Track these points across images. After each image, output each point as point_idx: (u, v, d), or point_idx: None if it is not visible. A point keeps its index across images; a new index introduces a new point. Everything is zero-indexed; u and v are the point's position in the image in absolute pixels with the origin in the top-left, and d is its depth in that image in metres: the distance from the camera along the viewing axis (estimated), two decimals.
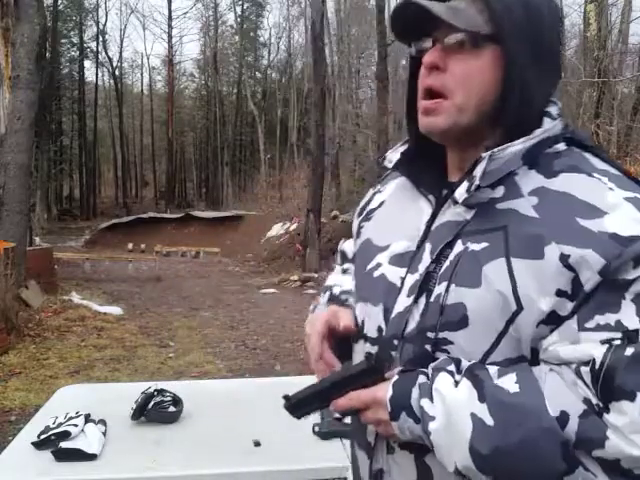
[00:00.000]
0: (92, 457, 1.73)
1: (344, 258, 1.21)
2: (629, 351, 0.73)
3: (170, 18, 37.21)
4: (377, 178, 1.14)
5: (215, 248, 17.29)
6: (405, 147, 0.98)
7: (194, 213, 23.33)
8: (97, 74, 38.84)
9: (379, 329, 0.92)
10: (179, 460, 1.75)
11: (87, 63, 39.02)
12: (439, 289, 0.84)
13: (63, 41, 35.87)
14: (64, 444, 1.75)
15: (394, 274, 0.92)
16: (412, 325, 0.87)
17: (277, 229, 17.77)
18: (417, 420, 0.81)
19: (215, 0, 38.28)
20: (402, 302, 0.89)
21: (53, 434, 1.79)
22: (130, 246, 19.18)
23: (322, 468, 1.70)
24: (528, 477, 0.77)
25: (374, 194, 1.08)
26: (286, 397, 0.96)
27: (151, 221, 22.65)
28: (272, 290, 10.76)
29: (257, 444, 1.82)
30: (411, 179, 0.96)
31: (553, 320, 0.77)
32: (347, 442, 1.70)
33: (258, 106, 34.96)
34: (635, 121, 11.71)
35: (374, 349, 0.92)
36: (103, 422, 1.91)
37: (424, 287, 0.87)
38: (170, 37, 37.15)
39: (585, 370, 0.75)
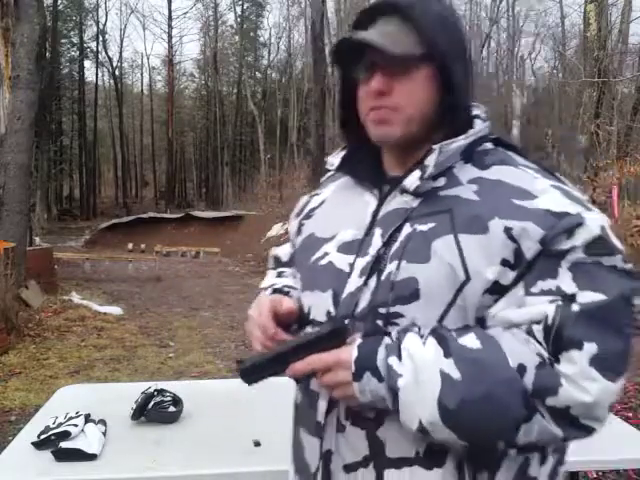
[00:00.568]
0: (92, 457, 1.72)
1: (278, 262, 1.27)
2: (575, 307, 0.82)
3: (170, 18, 37.24)
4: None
5: (215, 248, 17.29)
6: (344, 152, 1.08)
7: (194, 213, 23.32)
8: (97, 74, 38.91)
9: (327, 313, 0.97)
10: (179, 460, 1.75)
11: (87, 63, 39.10)
12: (390, 267, 0.91)
13: (63, 41, 35.87)
14: (64, 444, 1.75)
15: (342, 261, 0.98)
16: (363, 304, 0.92)
17: (277, 229, 17.76)
18: (381, 379, 0.85)
19: (215, 0, 38.32)
20: (353, 283, 0.94)
21: (53, 434, 1.79)
22: (130, 246, 19.17)
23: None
24: (489, 427, 0.83)
25: (312, 196, 1.17)
26: (240, 361, 0.96)
27: (151, 221, 22.65)
28: None
29: (257, 444, 1.82)
30: (354, 177, 1.06)
31: (496, 289, 0.86)
32: None
33: (258, 106, 34.96)
34: (635, 121, 11.71)
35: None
36: (103, 422, 1.91)
37: (375, 268, 0.93)
38: (170, 37, 37.17)
39: (537, 328, 0.84)
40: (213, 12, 38.84)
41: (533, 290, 0.85)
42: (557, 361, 0.82)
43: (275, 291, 1.12)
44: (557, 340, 0.82)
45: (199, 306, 8.89)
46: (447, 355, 0.83)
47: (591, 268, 0.84)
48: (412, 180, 0.94)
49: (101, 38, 38.36)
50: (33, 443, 1.79)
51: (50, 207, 30.64)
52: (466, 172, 0.94)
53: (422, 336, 0.86)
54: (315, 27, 13.30)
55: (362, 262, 0.95)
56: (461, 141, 0.94)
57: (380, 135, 0.97)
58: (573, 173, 11.85)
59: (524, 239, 0.85)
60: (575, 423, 0.83)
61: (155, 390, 2.02)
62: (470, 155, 0.95)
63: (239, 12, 38.28)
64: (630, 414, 4.02)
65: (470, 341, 0.84)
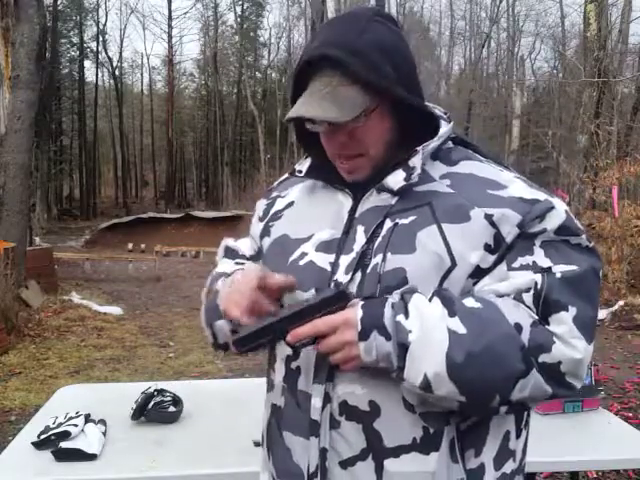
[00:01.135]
0: (92, 457, 1.73)
1: (235, 255, 1.22)
2: (558, 274, 0.91)
3: (170, 18, 37.21)
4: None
5: (215, 248, 17.21)
6: (310, 160, 1.12)
7: (194, 213, 23.31)
8: (97, 74, 38.82)
9: None
10: (179, 460, 1.75)
11: (87, 63, 38.98)
12: (375, 260, 0.94)
13: (63, 41, 35.82)
14: (64, 444, 1.75)
15: (322, 260, 1.00)
16: None
17: None
18: (388, 337, 0.87)
19: (215, 0, 38.31)
20: (340, 281, 0.96)
21: (53, 434, 1.79)
22: (130, 246, 19.15)
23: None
24: (490, 380, 0.86)
25: (274, 199, 1.18)
26: (234, 331, 0.94)
27: (151, 221, 22.63)
28: None
29: (257, 444, 1.82)
30: (325, 180, 1.08)
31: (476, 273, 0.93)
32: None
33: (258, 106, 34.94)
34: (635, 121, 11.72)
35: None
36: (103, 422, 1.91)
37: (360, 264, 0.95)
38: (170, 37, 37.14)
39: (526, 295, 0.90)
40: (213, 12, 38.84)
41: (514, 265, 0.92)
42: (546, 322, 0.89)
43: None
44: (545, 304, 0.89)
45: (199, 306, 8.85)
46: (452, 314, 0.87)
47: (560, 245, 0.93)
48: (396, 180, 0.98)
49: (101, 38, 38.34)
50: (33, 443, 1.79)
51: (50, 207, 30.60)
52: (436, 169, 1.00)
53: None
54: (315, 27, 13.31)
55: (347, 259, 0.97)
56: (435, 142, 1.00)
57: (351, 179, 1.02)
58: (573, 173, 11.86)
59: (503, 224, 0.92)
60: (562, 380, 0.89)
61: (155, 390, 2.02)
62: (436, 153, 1.01)
63: (239, 12, 38.26)
64: (630, 414, 4.02)
65: (470, 302, 0.89)
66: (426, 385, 0.86)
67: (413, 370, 0.87)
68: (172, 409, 2.01)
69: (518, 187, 0.96)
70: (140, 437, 1.89)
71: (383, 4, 15.34)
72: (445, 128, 1.02)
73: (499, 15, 29.68)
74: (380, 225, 0.97)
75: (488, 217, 0.93)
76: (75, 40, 37.19)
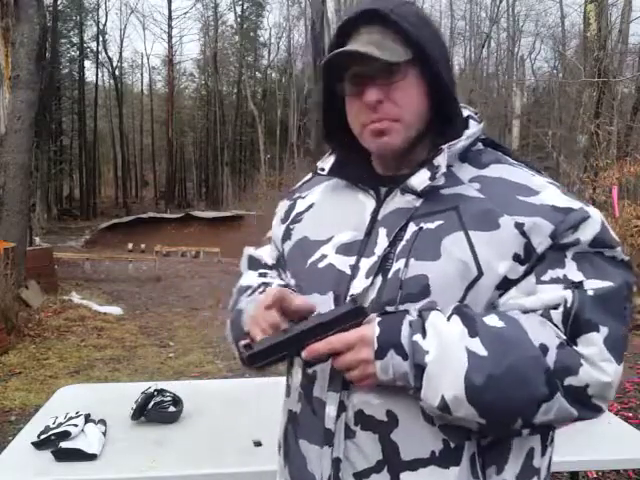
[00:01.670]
0: (92, 457, 1.73)
1: (257, 264, 1.19)
2: (590, 292, 0.85)
3: (170, 18, 37.22)
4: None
5: (215, 248, 17.27)
6: (333, 157, 1.08)
7: (194, 213, 23.33)
8: (97, 74, 38.84)
9: None
10: (179, 460, 1.75)
11: (87, 63, 39.02)
12: (397, 265, 0.90)
13: (63, 41, 35.83)
14: (64, 444, 1.75)
15: (342, 262, 0.96)
16: (369, 303, 0.91)
17: None
18: (405, 357, 0.84)
19: (215, 0, 38.31)
20: (359, 285, 0.93)
21: (53, 434, 1.79)
22: (130, 246, 19.16)
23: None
24: (512, 404, 0.83)
25: (295, 200, 1.14)
26: (247, 345, 0.89)
27: (151, 221, 22.64)
28: None
29: (257, 444, 1.82)
30: (347, 179, 1.05)
31: (504, 284, 0.88)
32: None
33: (258, 106, 34.94)
34: (635, 121, 11.71)
35: None
36: (103, 422, 1.91)
37: (381, 268, 0.92)
38: (170, 37, 37.16)
39: (555, 312, 0.86)
40: (213, 12, 38.85)
41: (544, 278, 0.87)
42: (574, 343, 0.84)
43: (279, 286, 1.05)
44: (575, 323, 0.84)
45: (199, 306, 8.88)
46: (472, 333, 0.83)
47: (594, 258, 0.88)
48: (420, 180, 0.93)
49: (101, 38, 38.36)
50: (33, 443, 1.79)
51: (50, 207, 30.60)
52: (464, 171, 0.95)
53: (445, 314, 0.86)
54: (315, 27, 13.31)
55: (368, 262, 0.93)
56: (463, 142, 0.95)
57: (380, 147, 0.97)
58: (573, 173, 11.85)
59: (535, 234, 0.87)
60: (588, 403, 0.85)
61: (155, 390, 2.02)
62: (465, 154, 0.97)
63: (239, 12, 38.27)
64: (630, 414, 4.02)
65: (493, 321, 0.85)
66: (444, 407, 0.83)
67: (430, 392, 0.84)
68: (172, 409, 2.01)
69: (551, 194, 0.91)
70: (140, 437, 1.89)
71: None
72: (474, 128, 0.98)
73: (499, 15, 29.69)
74: (403, 228, 0.93)
75: (519, 226, 0.88)
76: (75, 40, 37.23)
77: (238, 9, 37.93)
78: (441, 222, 0.91)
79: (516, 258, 0.87)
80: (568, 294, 0.85)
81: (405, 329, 0.85)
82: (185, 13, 60.50)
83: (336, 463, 0.93)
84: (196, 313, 8.30)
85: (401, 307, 0.88)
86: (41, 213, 22.32)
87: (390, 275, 0.90)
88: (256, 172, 30.73)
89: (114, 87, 39.84)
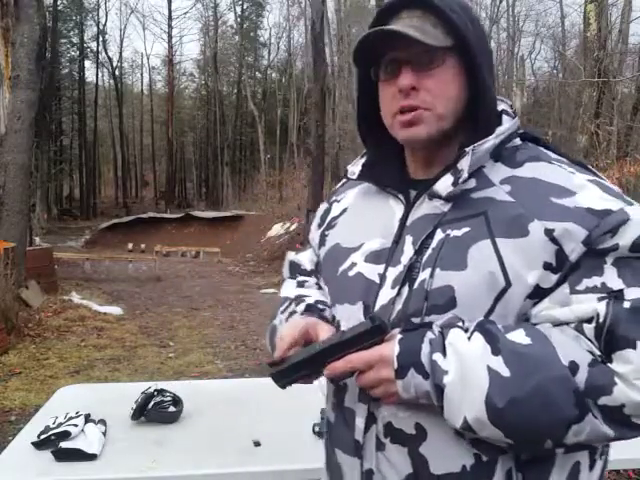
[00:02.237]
0: (92, 457, 1.72)
1: (297, 270, 1.20)
2: (627, 304, 0.79)
3: (170, 18, 37.23)
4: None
5: (215, 248, 17.28)
6: (364, 159, 1.05)
7: (194, 213, 23.34)
8: (97, 74, 38.88)
9: None
10: (179, 460, 1.75)
11: (87, 63, 39.08)
12: (423, 275, 0.87)
13: (63, 41, 35.85)
14: (64, 444, 1.75)
15: (371, 271, 0.94)
16: (395, 315, 0.89)
17: (277, 229, 17.76)
18: (426, 376, 0.81)
19: (215, 0, 38.31)
20: (386, 295, 0.91)
21: (53, 434, 1.79)
22: (130, 246, 19.17)
23: (322, 468, 1.69)
24: (538, 426, 0.78)
25: (331, 204, 1.13)
26: (272, 363, 0.91)
27: (151, 221, 22.66)
28: (272, 290, 10.74)
29: (257, 444, 1.82)
30: (377, 184, 1.02)
31: (536, 293, 0.83)
32: None
33: (258, 106, 34.92)
34: (635, 121, 11.70)
35: None
36: (103, 422, 1.91)
37: (407, 277, 0.89)
38: (170, 37, 37.17)
39: (588, 326, 0.80)
40: (213, 12, 38.85)
41: (578, 288, 0.82)
42: (609, 359, 0.79)
43: (309, 308, 1.04)
44: (609, 338, 0.79)
45: (199, 306, 8.89)
46: (495, 352, 0.79)
47: (636, 264, 0.82)
48: (444, 185, 0.89)
49: (101, 38, 38.39)
50: (33, 443, 1.78)
51: (50, 207, 30.61)
52: (497, 172, 0.90)
53: (467, 330, 0.82)
54: (315, 27, 13.29)
55: (394, 272, 0.91)
56: (492, 141, 0.90)
57: (409, 137, 0.92)
58: None
59: (566, 240, 0.81)
60: (626, 422, 0.79)
61: (155, 390, 2.02)
62: (499, 153, 0.91)
63: (239, 12, 38.26)
64: None
65: (519, 337, 0.80)
66: (467, 428, 0.80)
67: (452, 413, 0.81)
68: (172, 409, 2.00)
69: (589, 194, 0.84)
70: (140, 437, 1.89)
71: (383, 4, 15.31)
72: (507, 124, 0.92)
73: (499, 15, 29.65)
74: (430, 236, 0.89)
75: (548, 232, 0.82)
76: (75, 40, 37.27)
77: (238, 9, 37.95)
78: (468, 229, 0.87)
79: (547, 266, 0.82)
80: (602, 307, 0.79)
81: (425, 347, 0.82)
82: (185, 13, 60.69)
83: (368, 475, 0.92)
84: (196, 313, 8.31)
85: (427, 319, 0.86)
86: (41, 213, 22.32)
87: (416, 285, 0.87)
88: (256, 172, 30.76)
89: (114, 87, 39.86)
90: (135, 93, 46.29)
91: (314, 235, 1.15)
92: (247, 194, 29.75)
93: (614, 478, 3.07)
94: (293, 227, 16.67)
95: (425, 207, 0.93)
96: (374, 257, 0.95)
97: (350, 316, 0.94)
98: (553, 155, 0.92)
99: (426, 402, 0.83)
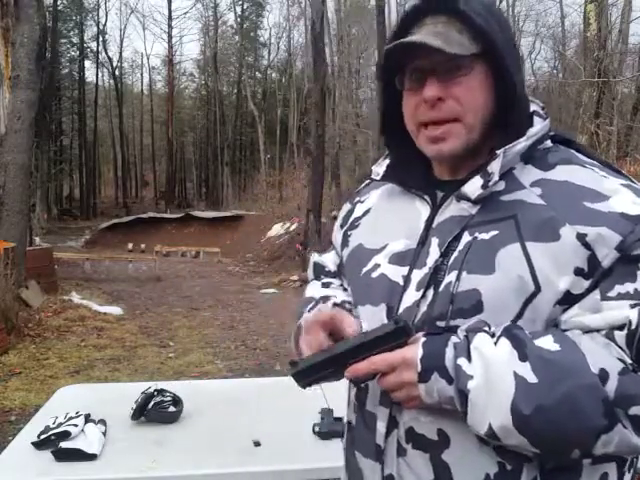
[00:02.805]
0: (92, 457, 1.73)
1: (322, 272, 1.19)
2: None
3: (170, 18, 37.23)
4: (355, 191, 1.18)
5: (215, 248, 17.29)
6: (388, 160, 1.03)
7: (194, 213, 23.35)
8: (97, 74, 38.87)
9: None
10: (179, 460, 1.75)
11: (87, 63, 39.07)
12: (449, 278, 0.85)
13: (63, 41, 35.86)
14: (64, 444, 1.75)
15: (395, 273, 0.92)
16: (420, 318, 0.87)
17: (277, 229, 17.77)
18: (450, 380, 0.80)
19: (215, 0, 38.31)
20: (410, 297, 0.89)
21: (53, 434, 1.79)
22: (130, 246, 19.17)
23: (322, 468, 1.69)
24: (565, 436, 0.76)
25: (355, 204, 1.11)
26: (293, 362, 0.89)
27: (151, 221, 22.67)
28: (272, 290, 10.76)
29: (257, 444, 1.82)
30: (402, 185, 1.00)
31: (567, 299, 0.81)
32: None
33: (258, 106, 34.93)
34: (635, 121, 11.71)
35: None
36: (103, 422, 1.91)
37: (432, 280, 0.87)
38: (170, 37, 37.17)
39: (619, 334, 0.78)
40: (213, 12, 38.85)
41: (610, 294, 0.80)
42: None
43: (335, 305, 1.02)
44: None
45: (199, 306, 8.89)
46: (522, 358, 0.77)
47: None
48: (473, 188, 0.87)
49: (101, 38, 38.39)
50: (33, 443, 1.79)
51: (50, 207, 30.61)
52: (527, 174, 0.88)
53: (493, 335, 0.80)
54: (315, 27, 13.28)
55: (419, 274, 0.89)
56: (523, 143, 0.87)
57: (438, 153, 0.90)
58: None
59: (599, 246, 0.79)
60: None
61: (155, 390, 2.02)
62: (530, 155, 0.89)
63: (239, 12, 38.26)
64: None
65: (547, 343, 0.78)
66: (492, 435, 0.78)
67: (477, 419, 0.78)
68: (172, 409, 2.01)
69: (623, 199, 0.82)
70: (140, 437, 1.89)
71: (383, 4, 15.33)
72: (538, 126, 0.90)
73: None
74: (457, 238, 0.87)
75: (580, 237, 0.80)
76: (75, 40, 37.28)
77: (238, 9, 37.96)
78: (496, 232, 0.84)
79: (579, 272, 0.80)
80: (634, 314, 0.77)
81: (450, 351, 0.80)
82: (185, 13, 60.67)
83: None
84: (196, 313, 8.31)
85: (452, 322, 0.84)
86: (41, 213, 22.32)
87: (441, 288, 0.86)
88: (256, 172, 30.76)
89: (114, 87, 39.86)
90: (135, 93, 46.29)
91: (337, 235, 1.13)
92: (247, 194, 29.75)
93: None
94: (293, 227, 16.67)
95: (452, 209, 0.91)
96: (398, 259, 0.93)
97: (372, 318, 0.93)
98: (585, 158, 0.90)
99: (449, 407, 0.81)
